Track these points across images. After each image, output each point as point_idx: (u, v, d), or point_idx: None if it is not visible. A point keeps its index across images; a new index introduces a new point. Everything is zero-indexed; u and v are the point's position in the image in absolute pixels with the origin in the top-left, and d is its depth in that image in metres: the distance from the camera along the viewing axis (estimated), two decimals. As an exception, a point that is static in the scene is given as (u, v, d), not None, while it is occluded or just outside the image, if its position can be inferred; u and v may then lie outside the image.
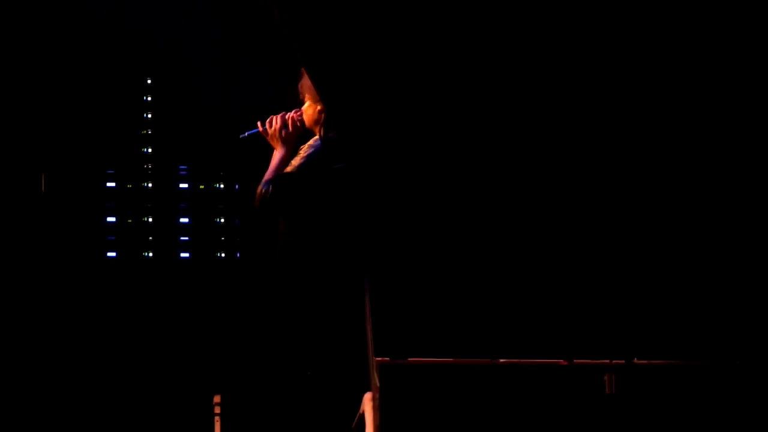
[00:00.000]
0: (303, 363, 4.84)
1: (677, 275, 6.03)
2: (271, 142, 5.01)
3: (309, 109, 5.00)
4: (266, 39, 6.91)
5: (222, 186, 7.25)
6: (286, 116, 5.01)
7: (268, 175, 4.98)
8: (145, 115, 7.27)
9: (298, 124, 4.99)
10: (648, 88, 5.11)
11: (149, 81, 7.30)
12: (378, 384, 5.84)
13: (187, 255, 7.15)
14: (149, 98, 7.29)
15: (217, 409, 5.90)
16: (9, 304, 6.66)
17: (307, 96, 4.99)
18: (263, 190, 4.82)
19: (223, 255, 7.16)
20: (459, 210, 6.53)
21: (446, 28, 4.80)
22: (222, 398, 6.04)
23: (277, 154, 4.91)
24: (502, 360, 6.39)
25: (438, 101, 6.34)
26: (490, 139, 5.82)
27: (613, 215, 5.86)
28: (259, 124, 5.08)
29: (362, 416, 5.18)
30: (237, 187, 7.23)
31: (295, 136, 4.97)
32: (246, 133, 5.22)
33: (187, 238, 7.18)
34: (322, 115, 4.96)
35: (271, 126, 5.00)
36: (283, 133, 4.94)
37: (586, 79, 5.16)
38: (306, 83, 5.01)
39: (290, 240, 4.81)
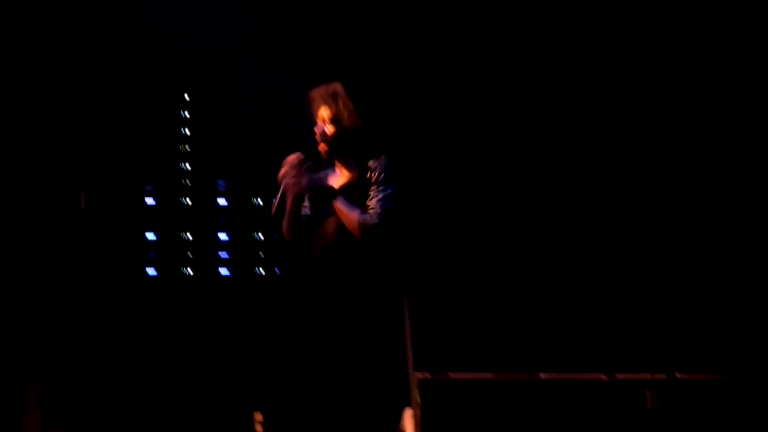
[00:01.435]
0: (344, 379, 4.83)
1: (718, 289, 6.00)
2: (293, 196, 4.88)
3: (337, 134, 4.91)
4: (303, 54, 6.92)
5: (261, 201, 7.26)
6: (326, 136, 4.91)
7: (351, 211, 4.80)
8: (182, 130, 7.29)
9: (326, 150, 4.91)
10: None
11: (187, 96, 7.33)
12: (419, 400, 5.84)
13: (226, 271, 7.17)
14: (187, 114, 7.32)
15: (259, 428, 5.92)
16: (51, 320, 6.70)
17: (328, 120, 4.90)
18: (366, 221, 4.72)
19: (262, 271, 7.18)
20: (499, 226, 6.52)
21: (478, 42, 4.79)
22: (263, 415, 6.06)
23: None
24: (542, 375, 6.38)
25: (481, 116, 6.33)
26: (523, 165, 5.81)
27: (653, 232, 5.83)
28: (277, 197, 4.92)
29: (403, 433, 5.18)
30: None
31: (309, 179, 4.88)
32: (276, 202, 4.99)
33: (226, 255, 7.20)
34: (354, 137, 4.89)
35: (290, 193, 4.88)
36: (303, 182, 4.85)
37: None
38: (339, 109, 4.92)
39: (333, 256, 4.78)
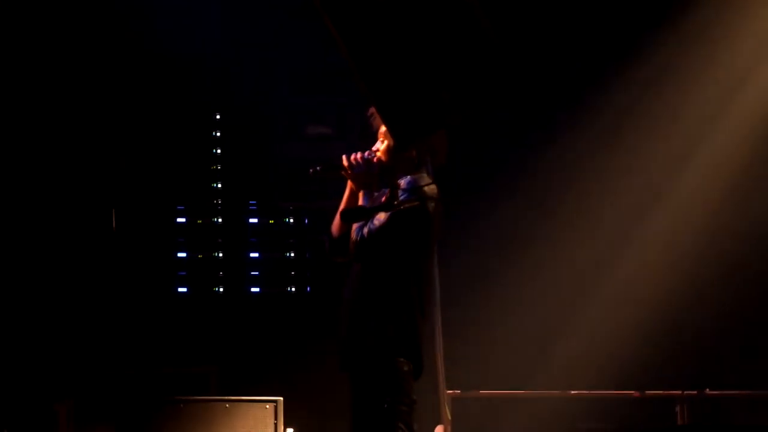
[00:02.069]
0: (375, 396, 4.79)
1: (748, 304, 6.02)
2: (355, 183, 4.81)
3: (385, 151, 4.84)
4: (335, 75, 6.96)
5: (291, 220, 7.28)
6: (374, 159, 4.82)
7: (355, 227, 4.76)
8: (214, 150, 7.32)
9: (380, 165, 4.84)
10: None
11: (218, 116, 7.36)
12: (449, 417, 5.85)
13: (257, 289, 7.19)
14: (218, 134, 7.35)
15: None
16: (83, 339, 6.73)
17: (383, 136, 4.84)
18: (358, 238, 4.68)
19: (293, 289, 7.18)
20: (523, 245, 6.57)
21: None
22: (294, 432, 6.06)
23: (365, 199, 4.76)
24: (573, 392, 6.39)
25: (513, 141, 6.37)
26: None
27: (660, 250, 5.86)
28: (344, 158, 4.82)
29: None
30: (306, 221, 7.27)
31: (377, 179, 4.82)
32: (318, 168, 4.87)
33: (257, 273, 7.22)
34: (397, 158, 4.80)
35: (356, 167, 4.79)
36: (368, 177, 4.77)
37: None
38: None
39: (368, 276, 4.71)
